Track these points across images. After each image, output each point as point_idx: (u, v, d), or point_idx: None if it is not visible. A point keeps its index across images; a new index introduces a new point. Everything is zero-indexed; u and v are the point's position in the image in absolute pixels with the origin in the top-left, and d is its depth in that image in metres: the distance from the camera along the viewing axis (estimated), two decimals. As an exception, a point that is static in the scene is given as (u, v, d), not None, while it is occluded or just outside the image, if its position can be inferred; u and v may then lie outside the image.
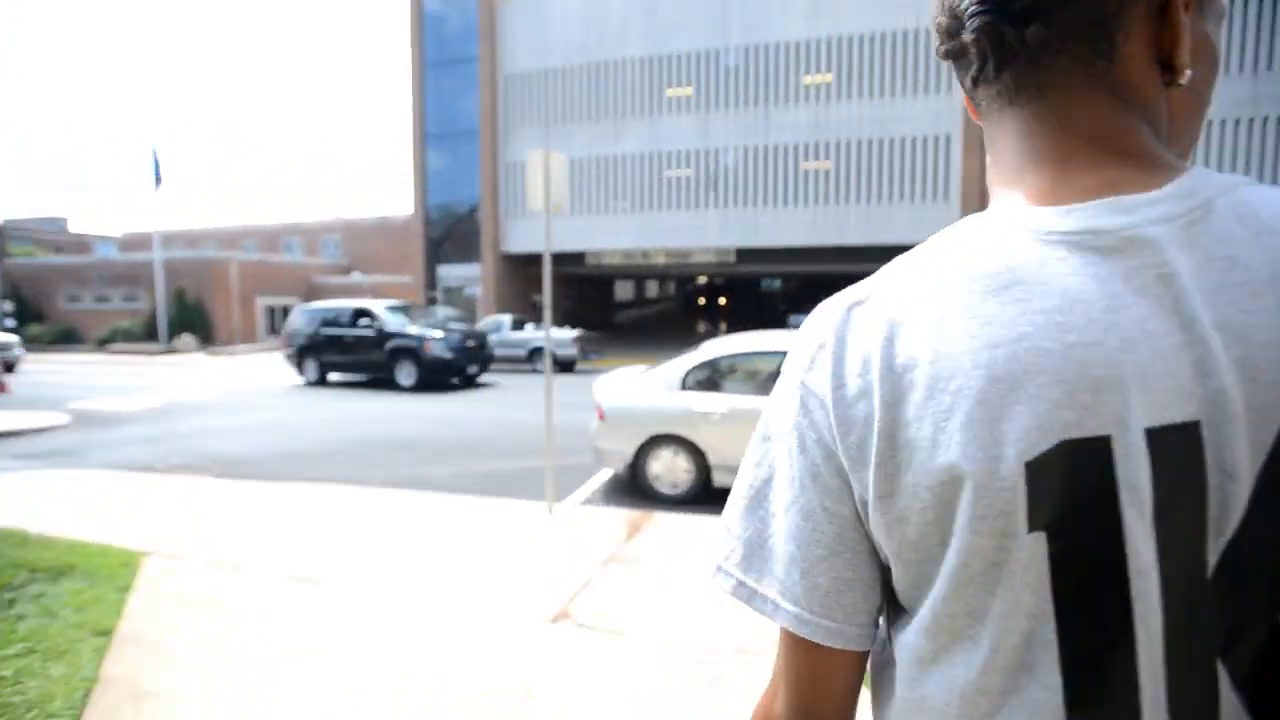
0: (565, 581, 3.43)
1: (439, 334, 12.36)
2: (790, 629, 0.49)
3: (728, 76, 18.20)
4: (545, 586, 3.38)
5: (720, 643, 2.81)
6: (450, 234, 22.22)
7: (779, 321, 25.96)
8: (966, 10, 0.47)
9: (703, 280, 39.57)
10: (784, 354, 4.34)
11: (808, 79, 17.77)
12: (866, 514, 0.47)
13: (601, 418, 5.37)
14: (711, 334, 23.86)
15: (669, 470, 5.27)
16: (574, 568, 3.63)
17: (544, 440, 4.75)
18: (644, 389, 5.38)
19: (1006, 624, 0.42)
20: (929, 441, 0.43)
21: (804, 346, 0.50)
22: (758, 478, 0.52)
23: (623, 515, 4.63)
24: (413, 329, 12.48)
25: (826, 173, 17.82)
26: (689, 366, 5.29)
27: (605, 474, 6.09)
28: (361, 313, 13.00)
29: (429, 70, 21.19)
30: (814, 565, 0.48)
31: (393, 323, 12.65)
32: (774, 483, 0.51)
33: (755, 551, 0.51)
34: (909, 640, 0.47)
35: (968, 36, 0.47)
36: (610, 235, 19.47)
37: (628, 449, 5.30)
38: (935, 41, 0.52)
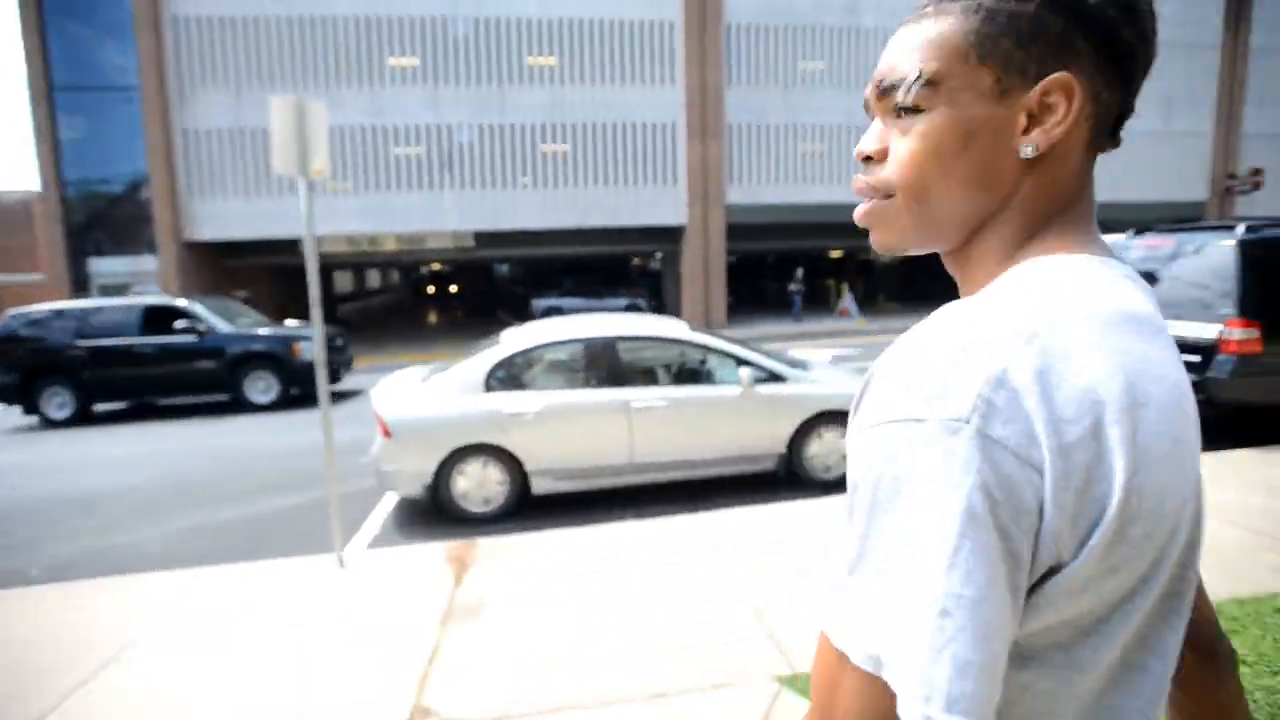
0: (404, 660, 2.63)
1: (304, 332, 9.75)
2: None
3: (458, 49, 16.97)
4: (379, 674, 2.55)
5: (629, 692, 2.35)
6: (103, 218, 17.35)
7: (519, 307, 25.74)
8: (1143, 77, 0.53)
9: (433, 268, 37.27)
10: (590, 341, 3.90)
11: (534, 59, 17.43)
12: (1045, 576, 0.43)
13: (387, 434, 4.42)
14: (454, 323, 22.56)
15: (480, 485, 4.55)
16: (407, 638, 2.82)
17: (320, 468, 3.72)
18: (438, 395, 4.55)
19: (1176, 647, 0.47)
20: (1161, 486, 0.42)
21: (982, 381, 0.41)
22: (909, 577, 0.41)
23: (439, 550, 3.83)
24: (265, 329, 9.83)
25: (564, 155, 17.78)
26: (491, 364, 4.61)
27: (390, 500, 5.11)
28: (166, 312, 9.41)
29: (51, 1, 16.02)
30: (996, 659, 0.40)
31: (224, 323, 9.61)
32: (938, 578, 0.40)
33: (964, 671, 0.40)
34: (1074, 686, 0.45)
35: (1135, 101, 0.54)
36: (332, 219, 16.98)
37: (426, 467, 4.45)
38: (1102, 100, 0.52)
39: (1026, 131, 0.51)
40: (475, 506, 4.56)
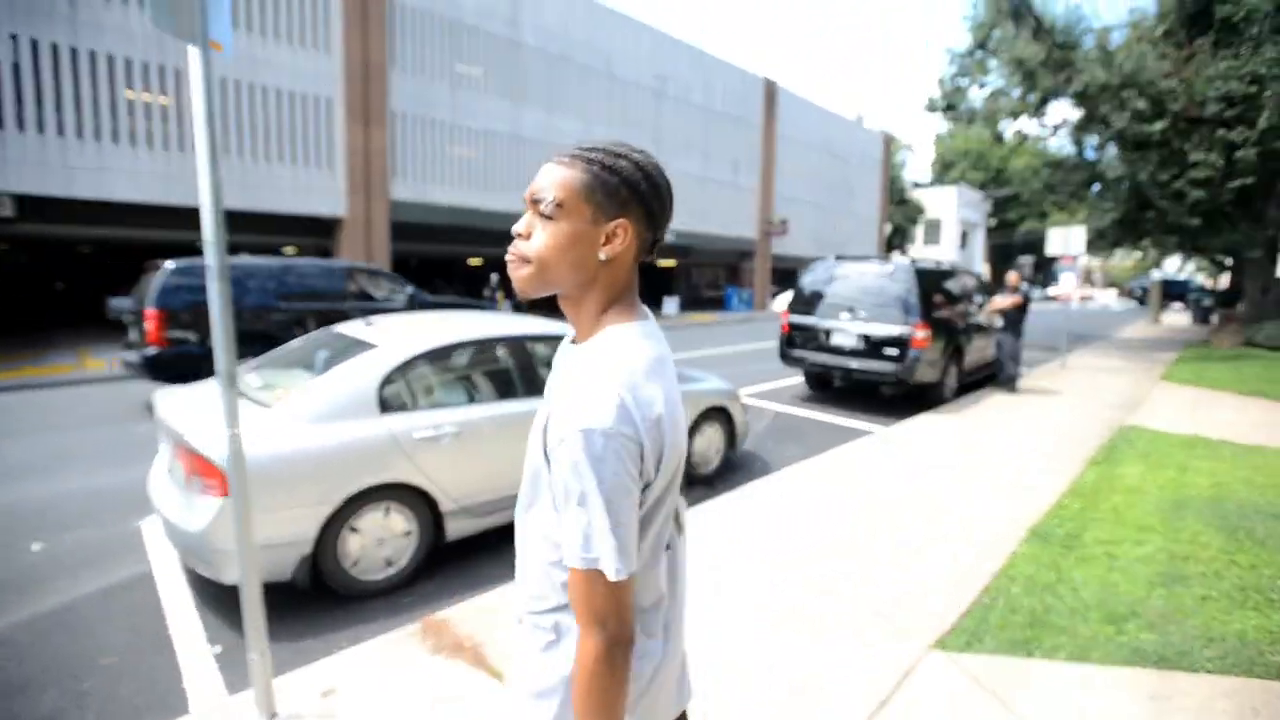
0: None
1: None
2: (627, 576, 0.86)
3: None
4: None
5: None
6: None
7: (74, 308, 19.18)
8: (666, 229, 1.00)
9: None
10: (502, 340, 3.44)
11: (114, -26, 12.96)
12: (644, 487, 0.90)
13: (227, 491, 2.83)
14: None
15: (380, 542, 3.28)
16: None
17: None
18: (307, 421, 3.11)
19: (675, 511, 1.03)
20: (677, 443, 0.93)
21: (616, 408, 0.85)
22: (610, 504, 0.85)
23: (400, 644, 2.64)
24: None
25: (177, 110, 13.63)
26: (385, 372, 3.36)
27: (177, 590, 3.26)
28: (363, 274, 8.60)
29: None
30: (634, 534, 0.89)
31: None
32: (621, 500, 0.86)
33: (625, 550, 0.86)
34: (652, 531, 0.96)
35: (664, 238, 1.01)
36: None
37: (306, 529, 3.00)
38: (643, 238, 0.98)
39: (604, 245, 0.94)
40: (374, 573, 3.26)
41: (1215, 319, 20.61)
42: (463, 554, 3.72)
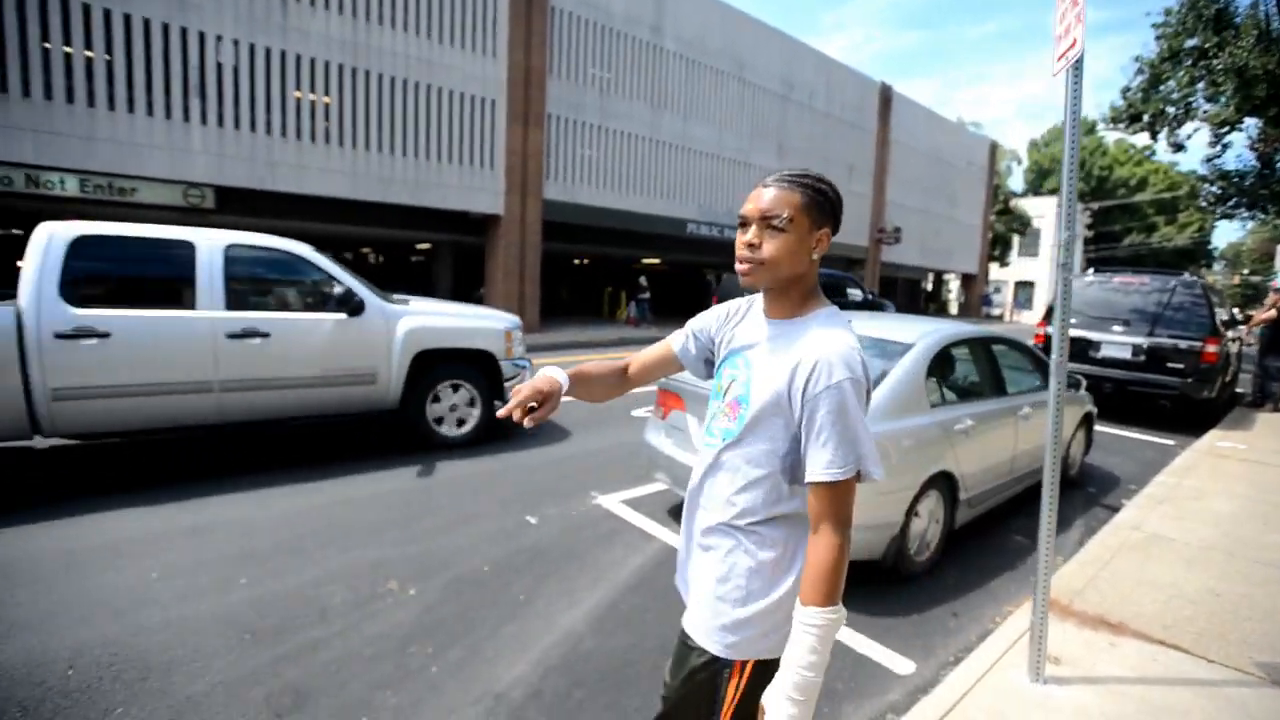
0: None
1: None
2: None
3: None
4: None
5: None
6: None
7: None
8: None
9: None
10: (984, 339, 4.13)
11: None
12: None
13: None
14: None
15: (927, 528, 3.39)
16: None
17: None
18: (887, 414, 3.23)
19: None
20: None
21: (860, 364, 1.19)
22: (867, 430, 1.18)
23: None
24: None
25: (365, 110, 14.29)
26: (930, 359, 3.46)
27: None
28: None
29: None
30: None
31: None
32: (868, 429, 1.19)
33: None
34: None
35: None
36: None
37: (897, 512, 3.12)
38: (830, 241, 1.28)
39: (815, 248, 1.25)
40: (920, 554, 3.37)
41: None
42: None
